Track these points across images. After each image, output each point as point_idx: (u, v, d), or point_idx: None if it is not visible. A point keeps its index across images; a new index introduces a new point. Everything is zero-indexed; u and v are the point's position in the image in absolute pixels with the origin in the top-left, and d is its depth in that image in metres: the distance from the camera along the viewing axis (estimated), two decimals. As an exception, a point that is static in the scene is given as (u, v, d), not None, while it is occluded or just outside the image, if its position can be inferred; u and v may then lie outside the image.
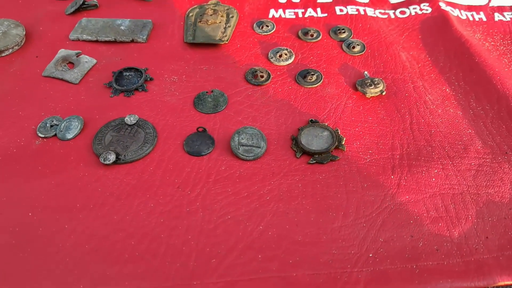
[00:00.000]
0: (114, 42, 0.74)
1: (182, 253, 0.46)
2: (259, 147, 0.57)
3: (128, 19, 0.77)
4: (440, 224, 0.49)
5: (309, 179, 0.54)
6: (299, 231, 0.48)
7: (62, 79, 0.67)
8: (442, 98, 0.65)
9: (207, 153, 0.57)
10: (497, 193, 0.52)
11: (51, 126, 0.60)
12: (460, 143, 0.58)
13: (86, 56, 0.71)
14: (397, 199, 0.52)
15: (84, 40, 0.75)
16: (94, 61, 0.71)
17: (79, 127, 0.59)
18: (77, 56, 0.71)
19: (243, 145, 0.56)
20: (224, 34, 0.75)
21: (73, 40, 0.75)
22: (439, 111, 0.63)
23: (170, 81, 0.67)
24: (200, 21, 0.77)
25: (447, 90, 0.66)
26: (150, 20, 0.78)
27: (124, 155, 0.56)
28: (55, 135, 0.59)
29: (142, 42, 0.74)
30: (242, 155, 0.56)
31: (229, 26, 0.76)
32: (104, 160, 0.54)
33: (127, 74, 0.67)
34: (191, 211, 0.50)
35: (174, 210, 0.50)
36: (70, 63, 0.70)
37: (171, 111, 0.63)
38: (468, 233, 0.49)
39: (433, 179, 0.54)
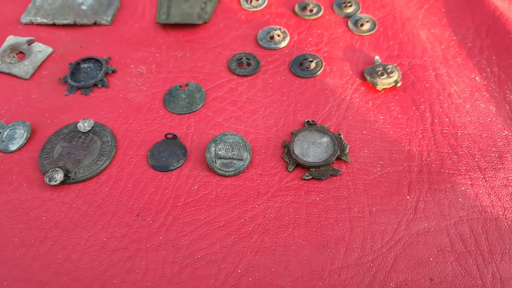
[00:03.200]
0: (74, 25, 0.62)
1: (137, 309, 0.36)
2: (241, 159, 0.45)
3: (91, -4, 0.65)
4: (468, 262, 0.39)
5: (303, 201, 0.43)
6: (288, 276, 0.38)
7: (9, 74, 0.56)
8: (470, 89, 0.53)
9: (177, 168, 0.46)
10: (544, 219, 0.41)
11: (-8, 134, 0.50)
12: (494, 149, 0.47)
13: (40, 44, 0.59)
14: (413, 228, 0.41)
15: (38, 24, 0.63)
16: (50, 49, 0.59)
17: (25, 136, 0.49)
18: (28, 44, 0.59)
19: (221, 158, 0.45)
20: (204, 11, 0.62)
21: (25, 24, 0.63)
22: (467, 106, 0.51)
23: (137, 72, 0.56)
24: (177, -4, 0.64)
25: (477, 78, 0.54)
26: (117, -4, 0.65)
27: (75, 173, 0.45)
28: (-3, 145, 0.49)
29: (107, 25, 0.62)
30: (220, 170, 0.45)
31: (209, 1, 0.63)
32: (49, 181, 0.44)
33: (85, 66, 0.56)
34: (152, 247, 0.40)
35: (131, 246, 0.40)
36: (21, 53, 0.59)
37: (136, 111, 0.51)
38: (505, 274, 0.38)
39: (460, 200, 0.43)
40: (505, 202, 0.42)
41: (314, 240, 0.40)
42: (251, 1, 0.64)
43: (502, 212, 0.42)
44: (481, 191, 0.43)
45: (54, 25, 0.62)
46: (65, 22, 0.62)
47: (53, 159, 0.47)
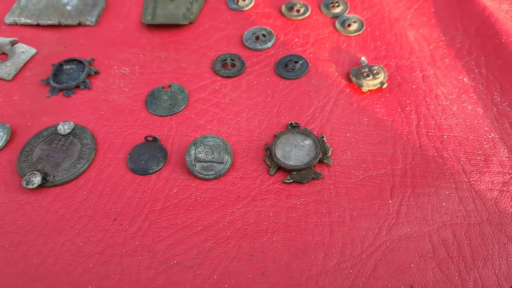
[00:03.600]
0: (59, 26, 0.62)
1: (110, 316, 0.36)
2: (222, 163, 0.45)
3: (77, -4, 0.64)
4: (450, 268, 0.38)
5: (283, 205, 0.42)
6: (265, 282, 0.37)
7: (-9, 75, 0.56)
8: (458, 90, 0.52)
9: (156, 171, 0.45)
10: (528, 224, 0.40)
11: (-28, 136, 0.49)
12: (480, 152, 0.46)
13: (24, 45, 0.59)
14: (395, 234, 0.40)
15: (22, 24, 0.62)
16: (34, 50, 0.59)
17: (4, 138, 0.48)
18: (11, 45, 0.58)
19: (200, 161, 0.45)
20: (190, 12, 0.61)
21: (9, 25, 0.62)
22: (454, 108, 0.50)
23: (120, 74, 0.55)
24: (163, -4, 0.63)
25: (465, 80, 0.53)
26: (103, -3, 0.64)
27: (53, 176, 0.45)
28: (-24, 147, 0.48)
29: (91, 25, 0.61)
30: (200, 173, 0.44)
31: (196, 1, 0.63)
32: (27, 184, 0.43)
33: (68, 67, 0.55)
34: (128, 252, 0.39)
35: (106, 251, 0.39)
36: (3, 54, 0.58)
37: (117, 113, 0.51)
38: (487, 280, 0.37)
39: (443, 204, 0.42)
40: (489, 207, 0.41)
41: (293, 245, 0.39)
42: (237, 2, 0.63)
43: (486, 217, 0.41)
44: (465, 195, 0.42)
45: (38, 25, 0.62)
46: (49, 22, 0.61)
47: (31, 162, 0.46)
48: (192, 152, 0.45)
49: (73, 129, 0.48)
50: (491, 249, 0.39)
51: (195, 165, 0.44)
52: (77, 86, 0.53)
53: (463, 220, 0.41)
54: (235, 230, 0.41)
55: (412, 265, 0.38)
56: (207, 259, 0.39)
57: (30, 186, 0.43)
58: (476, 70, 0.54)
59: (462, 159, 0.45)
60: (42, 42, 0.60)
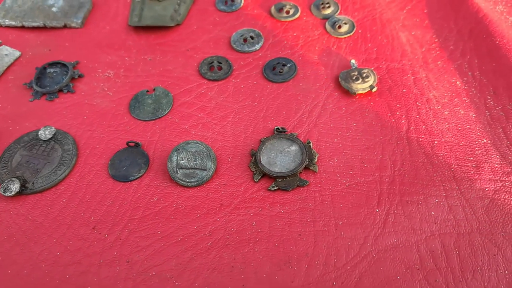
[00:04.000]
0: (44, 28, 0.61)
1: (84, 330, 0.35)
2: (205, 169, 0.43)
3: (63, -3, 0.63)
4: (437, 280, 0.36)
5: (267, 214, 0.41)
6: (244, 294, 0.36)
7: (-26, 78, 0.55)
8: (450, 94, 0.50)
9: (138, 178, 0.44)
10: (519, 234, 0.39)
11: (-48, 141, 0.48)
12: (471, 158, 0.44)
13: (7, 48, 0.58)
14: (381, 244, 0.39)
15: (7, 26, 0.61)
16: (18, 53, 0.57)
17: (-16, 142, 0.47)
18: (-5, 47, 0.57)
19: (182, 168, 0.43)
20: (178, 13, 0.60)
21: (-6, 26, 0.61)
22: (446, 112, 0.48)
23: (104, 77, 0.54)
24: (150, -3, 0.62)
25: (458, 83, 0.51)
26: (89, -2, 0.63)
27: (33, 183, 0.44)
28: (-44, 153, 0.47)
29: (77, 28, 0.60)
30: (182, 180, 0.43)
31: (183, 2, 0.61)
32: (4, 192, 0.42)
33: (51, 71, 0.54)
34: (106, 263, 0.38)
35: (84, 261, 0.38)
36: (-13, 57, 0.57)
37: (100, 118, 0.49)
38: (476, 293, 0.36)
39: (432, 213, 0.40)
40: (480, 216, 0.40)
41: (275, 256, 0.38)
42: (226, 3, 0.62)
43: (476, 226, 0.39)
44: (455, 204, 0.41)
45: (23, 27, 0.61)
46: (34, 24, 0.60)
47: (11, 168, 0.45)
48: (174, 158, 0.44)
49: (54, 135, 0.47)
50: (481, 260, 0.37)
51: (177, 172, 0.43)
52: (60, 90, 0.52)
53: (453, 230, 0.39)
54: (216, 240, 0.39)
55: (398, 277, 0.37)
56: (186, 270, 0.37)
57: (8, 194, 0.42)
58: (469, 73, 0.52)
59: (453, 165, 0.44)
60: (26, 44, 0.59)
